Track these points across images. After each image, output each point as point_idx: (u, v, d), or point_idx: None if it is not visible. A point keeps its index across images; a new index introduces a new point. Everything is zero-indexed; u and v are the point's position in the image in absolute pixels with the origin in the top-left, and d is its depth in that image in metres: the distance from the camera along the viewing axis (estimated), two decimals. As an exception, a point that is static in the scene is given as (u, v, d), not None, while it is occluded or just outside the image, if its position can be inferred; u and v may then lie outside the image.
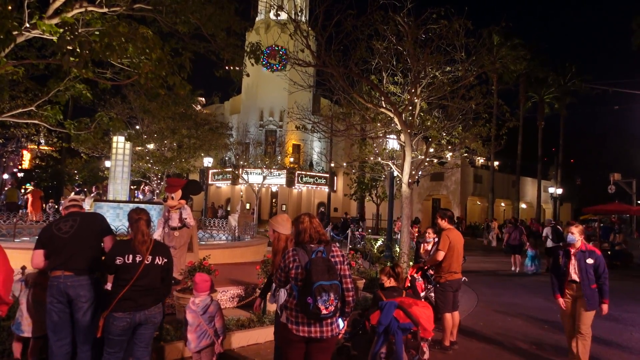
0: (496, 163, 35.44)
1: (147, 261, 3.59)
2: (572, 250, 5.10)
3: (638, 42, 21.49)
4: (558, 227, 14.99)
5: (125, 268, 3.53)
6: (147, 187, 19.43)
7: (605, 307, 5.11)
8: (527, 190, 41.35)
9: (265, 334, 5.52)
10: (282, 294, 4.14)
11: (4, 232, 9.65)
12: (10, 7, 5.91)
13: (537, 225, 26.58)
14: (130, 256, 3.56)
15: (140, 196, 18.84)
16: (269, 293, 4.35)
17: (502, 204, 40.77)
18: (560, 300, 5.21)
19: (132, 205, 11.89)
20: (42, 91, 8.32)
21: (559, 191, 36.77)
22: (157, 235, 7.33)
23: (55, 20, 6.03)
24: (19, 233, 9.86)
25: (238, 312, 6.24)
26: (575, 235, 5.10)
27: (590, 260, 5.00)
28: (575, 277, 5.05)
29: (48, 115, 8.35)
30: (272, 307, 5.33)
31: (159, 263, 3.67)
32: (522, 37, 33.91)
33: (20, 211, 16.09)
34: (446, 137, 10.62)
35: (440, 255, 5.83)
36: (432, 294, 6.16)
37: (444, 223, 6.03)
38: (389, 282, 5.23)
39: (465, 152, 11.83)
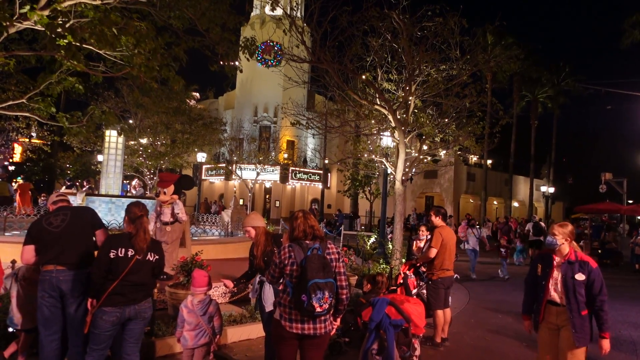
0: (489, 161, 35.59)
1: (140, 257, 3.57)
2: (556, 260, 3.72)
3: (628, 41, 21.67)
4: (540, 222, 17.47)
5: (118, 262, 3.50)
6: (136, 182, 19.29)
7: (605, 343, 3.67)
8: (519, 188, 41.61)
9: (257, 330, 5.52)
10: (268, 289, 4.15)
11: (-6, 226, 9.56)
12: (1, -1, 5.84)
13: (514, 221, 26.75)
14: (123, 250, 3.53)
15: (133, 191, 18.73)
16: (250, 287, 4.37)
17: (495, 202, 41.01)
18: (527, 323, 3.98)
19: (125, 200, 11.86)
20: (34, 84, 8.22)
21: (551, 190, 37.04)
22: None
23: (48, 12, 5.95)
24: (9, 227, 9.77)
25: (230, 308, 6.23)
26: (558, 238, 3.68)
27: (580, 276, 3.55)
28: (555, 297, 3.68)
29: (39, 108, 8.25)
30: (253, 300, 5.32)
31: (151, 259, 3.65)
32: (516, 37, 33.96)
33: (12, 205, 15.94)
34: (440, 134, 10.66)
35: (433, 252, 5.85)
36: (424, 291, 6.18)
37: (437, 220, 6.06)
38: (367, 287, 5.27)
39: (459, 149, 11.88)
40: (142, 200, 12.28)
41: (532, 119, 37.69)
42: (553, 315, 3.69)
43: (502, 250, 12.75)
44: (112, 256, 3.50)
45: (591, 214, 21.12)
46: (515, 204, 40.81)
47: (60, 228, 3.79)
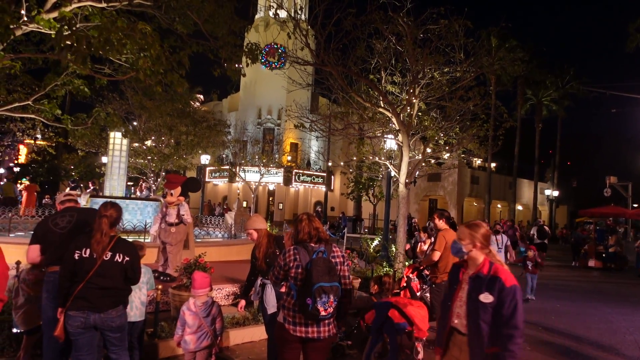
0: (493, 164, 35.54)
1: (106, 257, 3.34)
2: (465, 273, 2.82)
3: (632, 45, 21.63)
4: (544, 226, 17.47)
5: (83, 263, 3.31)
6: (144, 184, 19.39)
7: None
8: (523, 192, 41.47)
9: (260, 332, 5.52)
10: (269, 292, 4.15)
11: (-1, 227, 9.62)
12: (8, 1, 5.89)
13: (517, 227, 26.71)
14: (88, 250, 3.33)
15: (139, 193, 18.80)
16: (252, 290, 4.38)
17: (499, 206, 40.90)
18: (437, 358, 2.91)
19: (129, 202, 11.90)
20: (39, 85, 8.28)
21: (555, 193, 36.92)
22: (153, 231, 7.34)
23: (54, 15, 6.00)
24: (14, 228, 9.82)
25: (233, 310, 6.23)
26: (464, 243, 2.79)
27: (486, 297, 2.59)
28: (458, 323, 2.76)
29: (44, 110, 8.31)
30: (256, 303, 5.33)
31: (119, 260, 3.39)
32: (520, 40, 34.04)
33: (17, 206, 16.04)
34: (444, 137, 10.65)
35: (436, 255, 5.83)
36: (428, 294, 6.17)
37: (441, 223, 6.04)
38: (374, 289, 5.27)
39: (463, 152, 11.86)
40: (146, 202, 12.29)
41: (537, 122, 37.62)
42: (457, 348, 2.76)
43: (529, 263, 9.73)
44: (76, 257, 3.32)
45: (596, 218, 21.02)
46: (519, 208, 40.68)
47: (66, 229, 3.79)
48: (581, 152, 48.65)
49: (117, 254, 3.39)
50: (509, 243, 9.95)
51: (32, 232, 3.89)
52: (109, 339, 3.47)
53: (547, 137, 40.02)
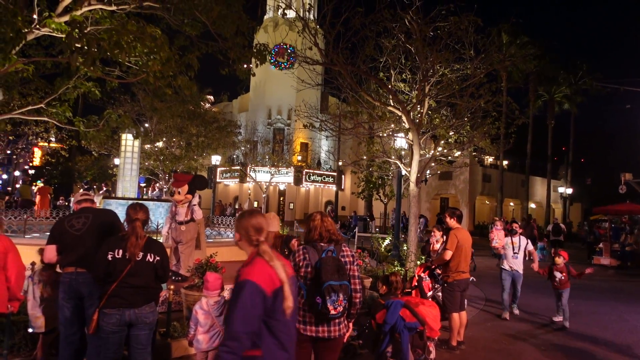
0: (505, 162, 35.16)
1: (138, 258, 3.47)
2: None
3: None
4: (559, 224, 18.77)
5: (116, 263, 3.43)
6: (157, 185, 19.57)
7: None
8: (536, 189, 41.01)
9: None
10: None
11: (15, 229, 9.76)
12: (20, 5, 5.97)
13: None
14: (121, 251, 3.44)
15: (150, 193, 18.97)
16: None
17: (511, 204, 40.49)
18: None
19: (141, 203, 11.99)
20: (52, 89, 8.40)
21: (569, 191, 36.42)
22: (164, 231, 7.41)
23: (65, 19, 6.06)
24: (29, 229, 9.96)
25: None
26: (236, 232, 2.44)
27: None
28: None
29: (57, 113, 8.42)
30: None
31: (151, 260, 3.53)
32: (531, 35, 33.55)
33: (33, 208, 16.30)
34: (454, 135, 10.56)
35: (448, 254, 5.80)
36: (440, 294, 6.13)
37: (452, 222, 5.99)
38: (383, 289, 5.21)
39: (474, 150, 11.75)
40: (158, 203, 12.38)
41: (549, 118, 37.14)
42: None
43: (558, 276, 7.29)
44: (109, 258, 3.43)
45: (610, 215, 20.69)
46: (532, 206, 40.24)
47: (81, 231, 3.84)
48: (595, 148, 47.98)
49: (149, 254, 3.52)
50: (531, 247, 7.95)
51: (49, 233, 3.94)
52: (139, 336, 3.53)
53: (559, 134, 39.52)
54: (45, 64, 8.08)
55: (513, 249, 7.73)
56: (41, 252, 4.29)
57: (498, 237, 8.23)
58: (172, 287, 5.29)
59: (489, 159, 36.18)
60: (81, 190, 7.23)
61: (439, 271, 6.26)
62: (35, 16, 5.97)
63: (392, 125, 10.71)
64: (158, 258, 3.57)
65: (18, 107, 8.83)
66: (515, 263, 7.76)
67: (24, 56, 7.17)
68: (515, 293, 7.96)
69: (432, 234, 7.34)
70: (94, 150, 21.45)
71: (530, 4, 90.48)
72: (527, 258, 8.09)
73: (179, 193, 7.01)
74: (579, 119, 40.59)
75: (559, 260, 7.39)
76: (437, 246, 7.35)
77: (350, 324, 3.36)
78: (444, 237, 7.05)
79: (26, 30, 5.72)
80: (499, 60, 10.33)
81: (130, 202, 11.24)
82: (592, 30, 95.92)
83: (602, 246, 17.54)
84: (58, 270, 4.20)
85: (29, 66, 7.17)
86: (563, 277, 7.29)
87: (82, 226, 3.87)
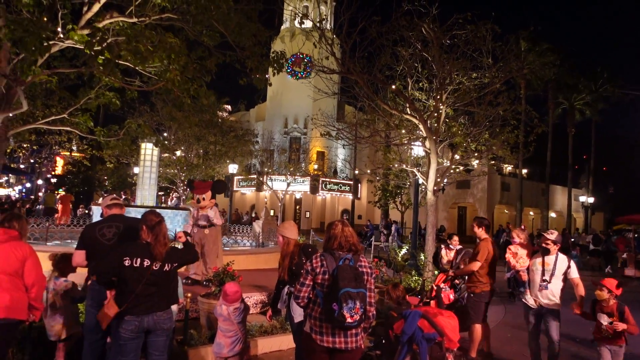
0: (525, 171, 34.63)
1: (155, 267, 3.45)
2: None
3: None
4: (599, 234, 18.56)
5: (133, 271, 3.40)
6: (175, 194, 19.83)
7: None
8: (557, 198, 40.24)
9: (288, 341, 5.49)
10: None
11: (37, 236, 9.95)
12: (45, 19, 6.14)
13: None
14: (139, 260, 3.41)
15: (169, 202, 19.21)
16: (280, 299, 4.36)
17: (531, 213, 39.77)
18: None
19: (159, 211, 12.12)
20: (75, 100, 8.60)
21: (591, 200, 35.64)
22: (187, 229, 7.67)
23: (87, 31, 6.21)
24: (50, 237, 10.15)
25: (261, 318, 6.24)
26: None
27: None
28: None
29: (79, 123, 8.62)
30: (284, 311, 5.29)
31: (167, 269, 3.53)
32: (551, 41, 33.11)
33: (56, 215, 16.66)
34: (472, 144, 10.44)
35: (476, 265, 5.64)
36: (462, 302, 5.99)
37: (480, 231, 5.84)
38: (394, 303, 5.15)
39: (492, 159, 11.61)
40: (176, 211, 12.53)
41: (569, 126, 36.49)
42: None
43: (604, 321, 4.40)
44: (126, 264, 3.38)
45: (635, 225, 20.16)
46: (553, 215, 39.45)
47: (112, 242, 3.86)
48: (617, 156, 46.96)
49: (167, 263, 3.52)
50: (575, 275, 4.89)
51: (79, 237, 3.98)
52: (156, 343, 3.54)
53: (580, 141, 38.79)
54: (69, 75, 8.29)
55: (543, 274, 4.94)
56: (52, 258, 4.36)
57: (520, 256, 5.34)
58: (189, 295, 5.33)
59: (508, 168, 35.68)
60: (100, 200, 7.45)
61: (458, 281, 6.17)
62: (59, 29, 6.13)
63: (405, 132, 10.66)
64: (175, 265, 3.60)
65: (42, 118, 9.05)
66: (544, 295, 4.95)
67: (48, 68, 7.36)
68: (551, 346, 4.96)
69: (452, 242, 7.26)
70: (109, 160, 21.86)
71: (549, 11, 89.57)
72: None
73: (203, 199, 7.48)
74: (600, 126, 39.76)
75: (603, 294, 4.46)
76: (449, 257, 7.28)
77: (364, 337, 3.31)
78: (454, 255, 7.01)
79: (50, 42, 5.87)
80: (518, 68, 10.20)
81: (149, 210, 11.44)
82: (614, 36, 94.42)
83: (625, 257, 17.05)
84: (68, 279, 4.30)
85: (53, 77, 7.35)
86: (612, 324, 4.34)
87: (112, 236, 3.90)
